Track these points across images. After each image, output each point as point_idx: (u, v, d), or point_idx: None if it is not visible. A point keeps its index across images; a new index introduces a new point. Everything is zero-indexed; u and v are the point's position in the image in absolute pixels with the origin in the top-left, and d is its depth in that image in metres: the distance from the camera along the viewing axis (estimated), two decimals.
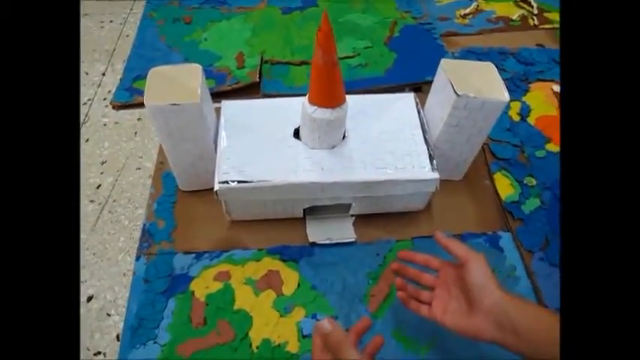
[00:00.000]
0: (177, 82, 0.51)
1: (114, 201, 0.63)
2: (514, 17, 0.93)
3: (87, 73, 0.82)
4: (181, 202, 0.61)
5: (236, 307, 0.52)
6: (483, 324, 0.39)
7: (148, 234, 0.58)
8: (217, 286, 0.53)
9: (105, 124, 0.73)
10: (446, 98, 0.53)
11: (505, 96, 0.51)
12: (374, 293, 0.53)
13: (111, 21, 0.93)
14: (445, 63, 0.55)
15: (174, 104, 0.49)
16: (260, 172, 0.52)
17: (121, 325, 0.51)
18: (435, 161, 0.54)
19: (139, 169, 0.67)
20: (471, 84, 0.52)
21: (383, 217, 0.60)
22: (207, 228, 0.59)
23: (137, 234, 0.59)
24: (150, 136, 0.71)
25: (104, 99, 0.77)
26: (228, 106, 0.59)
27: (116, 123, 0.73)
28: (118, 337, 0.51)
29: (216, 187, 0.51)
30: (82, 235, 0.60)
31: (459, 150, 0.58)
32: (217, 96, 0.60)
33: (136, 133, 0.72)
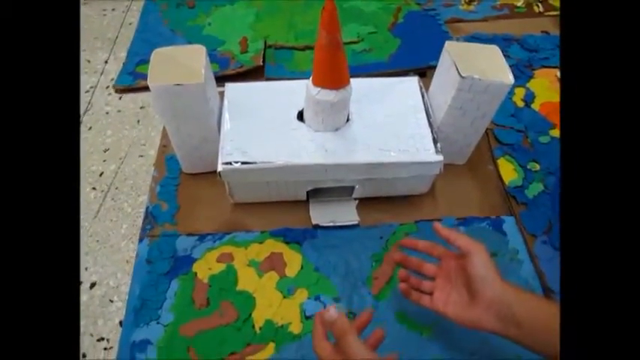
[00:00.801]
0: (181, 63, 0.51)
1: (116, 188, 0.63)
2: (519, 4, 0.92)
3: (89, 61, 0.82)
4: (184, 184, 0.61)
5: (239, 288, 0.52)
6: (485, 315, 0.39)
7: (151, 216, 0.58)
8: (220, 267, 0.53)
9: (107, 112, 0.73)
10: (450, 81, 0.53)
11: (510, 78, 0.51)
12: (377, 276, 0.53)
13: (113, 9, 0.92)
14: (449, 45, 0.54)
15: (178, 84, 0.49)
16: (263, 153, 0.52)
17: (124, 310, 0.51)
18: (438, 144, 0.54)
19: (142, 156, 0.67)
20: (475, 66, 0.51)
21: (386, 200, 0.59)
22: (210, 210, 0.59)
23: (140, 221, 0.59)
24: (153, 124, 0.71)
25: (107, 87, 0.77)
26: (231, 88, 0.59)
27: (119, 111, 0.73)
28: (120, 323, 0.51)
29: (220, 167, 0.51)
30: (85, 223, 0.60)
31: (462, 133, 0.58)
32: (221, 80, 0.60)
33: (138, 121, 0.72)
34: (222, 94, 0.58)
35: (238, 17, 0.86)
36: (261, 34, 0.82)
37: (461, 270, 0.43)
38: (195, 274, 0.53)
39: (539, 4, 0.92)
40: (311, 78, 0.51)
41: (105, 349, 0.50)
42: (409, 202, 0.60)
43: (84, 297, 0.54)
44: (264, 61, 0.76)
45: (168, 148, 0.64)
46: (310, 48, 0.79)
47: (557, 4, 0.92)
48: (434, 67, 0.59)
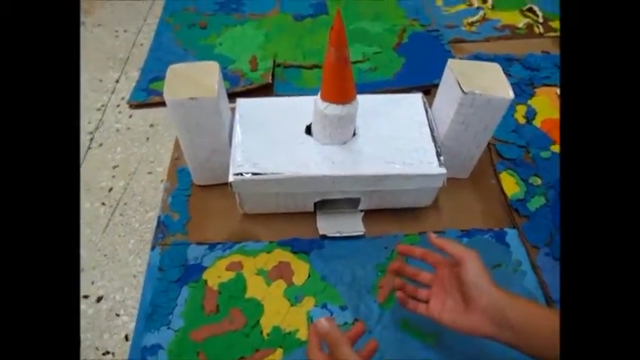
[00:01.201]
0: (195, 79, 0.54)
1: (125, 204, 0.64)
2: (520, 25, 0.95)
3: (101, 80, 0.84)
4: (195, 195, 0.63)
5: (248, 295, 0.53)
6: (480, 321, 0.40)
7: (162, 225, 0.60)
8: (229, 275, 0.55)
9: (118, 130, 0.75)
10: (453, 96, 0.55)
11: (510, 94, 0.53)
12: (382, 285, 0.54)
13: (125, 31, 0.96)
14: (452, 63, 0.57)
15: (193, 98, 0.51)
16: (273, 165, 0.54)
17: (130, 325, 0.52)
18: (442, 157, 0.56)
19: (150, 173, 0.68)
20: (477, 82, 0.53)
21: (391, 212, 0.61)
22: (220, 221, 0.61)
23: (148, 236, 0.60)
24: (162, 142, 0.73)
25: (117, 105, 0.78)
26: (242, 103, 0.61)
27: (128, 129, 0.75)
28: (126, 337, 0.51)
29: (231, 178, 0.53)
30: (93, 237, 0.61)
31: (465, 147, 0.60)
32: (232, 96, 0.62)
33: (148, 138, 0.74)
34: (233, 109, 0.61)
35: (248, 37, 0.89)
36: (271, 54, 0.85)
37: (455, 277, 0.44)
38: (206, 281, 0.54)
39: (540, 26, 0.95)
40: (319, 93, 0.53)
41: None
42: (414, 215, 0.61)
43: (90, 310, 0.54)
44: (273, 79, 0.79)
45: (180, 161, 0.66)
46: (317, 66, 0.82)
47: (557, 25, 0.95)
48: (437, 85, 0.61)
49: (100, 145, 0.73)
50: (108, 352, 0.51)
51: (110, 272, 0.57)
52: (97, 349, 0.51)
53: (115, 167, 0.69)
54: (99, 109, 0.78)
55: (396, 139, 0.58)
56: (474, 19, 0.96)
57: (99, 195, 0.66)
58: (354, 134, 0.58)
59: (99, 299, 0.55)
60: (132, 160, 0.70)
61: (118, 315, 0.54)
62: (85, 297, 0.55)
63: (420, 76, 0.80)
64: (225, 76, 0.79)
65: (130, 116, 0.77)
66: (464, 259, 0.42)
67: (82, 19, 0.99)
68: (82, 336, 0.52)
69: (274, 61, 0.83)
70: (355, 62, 0.83)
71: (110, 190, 0.66)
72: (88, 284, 0.56)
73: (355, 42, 0.88)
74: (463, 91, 0.52)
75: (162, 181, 0.66)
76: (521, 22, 0.96)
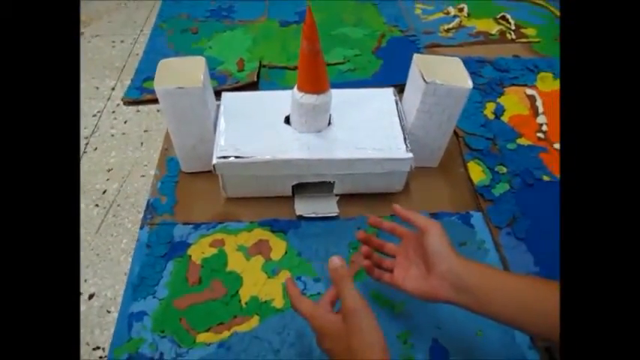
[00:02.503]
0: (183, 71, 0.58)
1: (118, 205, 0.66)
2: (493, 32, 1.01)
3: (97, 88, 0.87)
4: (183, 181, 0.68)
5: (228, 269, 0.57)
6: (440, 286, 0.42)
7: (151, 207, 0.64)
8: (212, 251, 0.59)
9: (113, 135, 0.77)
10: (418, 87, 0.60)
11: (469, 83, 0.58)
12: (353, 259, 0.59)
13: (122, 41, 1.00)
14: (417, 57, 0.62)
15: (180, 87, 0.56)
16: (254, 150, 0.59)
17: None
18: (408, 143, 0.60)
19: (144, 176, 0.71)
20: (438, 74, 0.59)
21: (364, 197, 0.66)
22: (205, 204, 0.65)
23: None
24: (155, 147, 0.74)
25: (113, 112, 0.81)
26: (227, 96, 0.66)
27: (123, 134, 0.78)
28: None
29: (215, 161, 0.58)
30: (87, 237, 0.62)
31: (431, 136, 0.65)
32: (218, 94, 0.67)
33: (142, 143, 0.76)
34: (219, 105, 0.66)
35: (237, 41, 0.95)
36: (257, 56, 0.90)
37: (419, 247, 0.46)
38: (190, 256, 0.58)
39: (512, 32, 1.01)
40: (296, 85, 0.58)
41: (100, 357, 0.51)
42: (385, 199, 0.66)
43: (82, 307, 0.54)
44: (258, 78, 0.84)
45: (169, 151, 0.71)
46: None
47: (528, 32, 1.01)
48: None
49: (95, 149, 0.75)
50: (98, 348, 0.52)
51: (102, 271, 0.58)
52: (87, 344, 0.52)
53: (109, 170, 0.71)
54: (95, 115, 0.81)
55: (367, 127, 0.62)
56: (450, 25, 1.02)
57: (93, 197, 0.68)
58: (330, 123, 0.63)
59: (90, 296, 0.56)
60: (126, 164, 0.72)
61: (108, 312, 0.55)
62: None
63: (395, 76, 0.84)
64: (214, 76, 0.84)
65: (125, 122, 0.80)
66: (427, 229, 0.45)
67: (81, 29, 1.04)
68: None
69: (260, 63, 0.88)
70: (336, 64, 0.88)
71: (104, 192, 0.68)
72: (81, 282, 0.58)
73: (337, 46, 0.93)
74: (425, 81, 0.58)
75: (156, 165, 0.69)
76: (494, 28, 1.02)
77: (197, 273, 0.57)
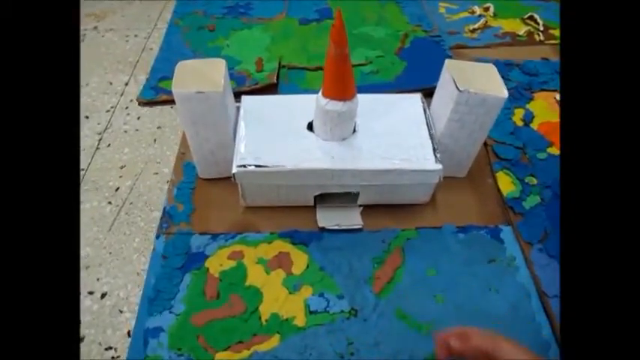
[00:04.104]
0: (203, 74, 0.56)
1: (131, 203, 0.67)
2: (521, 33, 0.97)
3: (111, 83, 0.87)
4: (200, 188, 0.65)
5: (248, 283, 0.55)
6: None
7: (167, 215, 0.62)
8: (231, 264, 0.57)
9: (126, 131, 0.78)
10: (449, 95, 0.57)
11: (504, 92, 0.55)
12: (378, 276, 0.56)
13: (135, 35, 0.99)
14: (449, 63, 0.59)
15: (199, 92, 0.54)
16: (275, 158, 0.56)
17: (133, 322, 0.53)
18: (438, 154, 0.57)
19: (157, 174, 0.70)
20: (472, 81, 0.55)
21: (389, 208, 0.63)
22: (223, 212, 0.62)
23: (152, 235, 0.60)
24: (168, 144, 0.74)
25: (126, 107, 0.81)
26: (247, 100, 0.64)
27: (137, 130, 0.78)
28: (129, 333, 0.52)
29: (234, 169, 0.55)
30: (100, 235, 0.62)
31: (461, 145, 0.61)
32: (237, 95, 0.64)
33: (155, 140, 0.76)
34: (238, 107, 0.63)
35: (255, 40, 0.92)
36: (276, 56, 0.87)
37: None
38: (207, 269, 0.56)
39: (540, 33, 0.97)
40: (321, 90, 0.56)
41: (113, 358, 0.51)
42: (411, 211, 0.63)
43: (94, 306, 0.55)
44: (277, 79, 0.82)
45: (186, 156, 0.69)
46: (321, 69, 0.84)
47: (557, 33, 0.97)
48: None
49: (109, 145, 0.75)
50: (110, 348, 0.53)
51: (115, 270, 0.59)
52: (99, 344, 0.52)
53: (122, 167, 0.71)
54: (108, 111, 0.81)
55: (394, 136, 0.60)
56: (476, 25, 0.98)
57: (106, 194, 0.68)
58: (354, 131, 0.60)
59: (103, 296, 0.57)
60: (139, 161, 0.72)
61: (121, 311, 0.55)
62: (90, 293, 0.56)
63: (420, 79, 0.81)
64: (232, 76, 0.82)
65: (139, 118, 0.79)
66: (494, 349, 0.39)
67: (94, 23, 1.02)
68: (86, 331, 0.53)
69: (279, 63, 0.85)
70: (357, 65, 0.85)
71: (117, 189, 0.68)
72: (93, 281, 0.57)
73: (358, 46, 0.90)
74: (459, 89, 0.54)
75: (167, 181, 0.68)
76: (522, 29, 0.98)
77: (215, 287, 0.54)
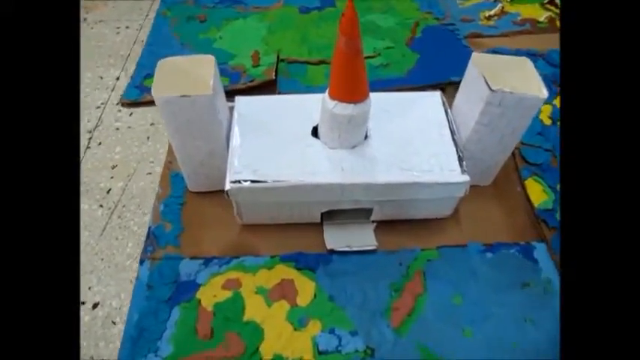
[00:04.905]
0: (189, 74, 0.48)
1: (123, 206, 0.61)
2: (541, 19, 0.89)
3: (101, 78, 0.80)
4: (190, 204, 0.58)
5: (246, 318, 0.47)
6: None
7: (153, 237, 0.54)
8: (226, 294, 0.49)
9: (117, 129, 0.72)
10: (478, 94, 0.49)
11: (544, 92, 0.47)
12: (397, 307, 0.48)
13: (127, 27, 0.92)
14: (477, 57, 0.50)
15: (185, 96, 0.45)
16: (275, 171, 0.48)
17: None
18: (464, 163, 0.50)
19: (150, 174, 0.64)
20: (505, 79, 0.47)
21: (407, 224, 0.55)
22: (217, 232, 0.55)
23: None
24: (162, 141, 0.69)
25: (117, 103, 0.75)
26: (242, 101, 0.56)
27: (129, 127, 0.71)
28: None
29: (227, 186, 0.47)
30: (90, 240, 0.57)
31: (489, 152, 0.53)
32: (231, 94, 0.57)
33: (148, 137, 0.70)
34: (231, 108, 0.55)
35: (250, 31, 0.83)
36: (274, 48, 0.79)
37: None
38: (199, 301, 0.49)
39: None
40: (327, 90, 0.48)
41: None
42: (431, 226, 0.55)
43: (86, 318, 0.50)
44: (276, 75, 0.73)
45: (174, 165, 0.61)
46: (325, 62, 0.76)
47: None
48: (455, 83, 0.56)
49: (99, 144, 0.69)
50: None
51: (107, 277, 0.54)
52: (92, 358, 0.48)
53: (113, 167, 0.66)
54: (98, 107, 0.75)
55: (412, 142, 0.52)
56: (492, 12, 0.90)
57: (97, 196, 0.63)
58: (366, 137, 0.52)
59: (95, 306, 0.51)
60: (131, 160, 0.67)
61: (114, 323, 0.50)
62: (82, 303, 0.51)
63: (435, 74, 0.73)
64: (225, 72, 0.74)
65: (131, 114, 0.73)
66: None
67: (84, 15, 0.95)
68: None
69: (278, 56, 0.77)
70: (366, 57, 0.76)
71: (108, 191, 0.63)
72: (84, 289, 0.53)
73: (365, 36, 0.81)
74: (491, 88, 0.46)
75: (159, 181, 0.62)
76: (542, 15, 0.89)
77: (208, 323, 0.47)
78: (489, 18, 0.89)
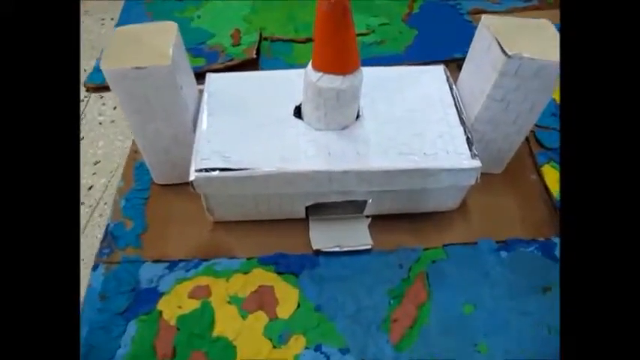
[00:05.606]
0: (146, 43, 0.40)
1: (105, 204, 0.55)
2: None
3: (85, 70, 0.75)
4: (155, 198, 0.50)
5: (215, 333, 0.40)
6: None
7: (111, 237, 0.46)
8: (193, 305, 0.41)
9: (100, 123, 0.67)
10: (490, 63, 0.41)
11: None
12: (396, 317, 0.41)
13: (112, 19, 0.87)
14: (487, 19, 0.43)
15: (139, 67, 0.38)
16: (249, 158, 0.41)
17: None
18: (474, 146, 0.42)
19: None
20: (522, 44, 0.40)
21: (406, 218, 0.48)
22: (185, 230, 0.47)
23: None
24: None
25: (101, 97, 0.70)
26: (213, 79, 0.48)
27: (112, 121, 0.67)
28: None
29: (192, 176, 0.40)
30: None
31: (503, 133, 0.46)
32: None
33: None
34: (202, 92, 0.48)
35: (232, 9, 0.76)
36: (256, 27, 0.71)
37: None
38: (160, 313, 0.41)
39: None
40: (310, 61, 0.40)
41: None
42: (435, 221, 0.48)
43: None
44: (258, 54, 0.66)
45: (140, 155, 0.53)
46: (312, 40, 0.68)
47: None
48: (457, 60, 0.48)
49: (82, 138, 0.64)
50: None
51: (87, 278, 0.47)
52: None
53: (96, 163, 0.61)
54: (82, 101, 0.70)
55: (412, 122, 0.44)
56: None
57: None
58: (358, 116, 0.45)
59: None
60: (115, 156, 0.62)
61: None
62: None
63: (436, 51, 0.66)
64: (202, 52, 0.66)
65: (114, 108, 0.69)
66: None
67: None
68: None
69: (260, 35, 0.69)
70: (358, 35, 0.69)
71: (90, 188, 0.58)
72: None
73: (357, 12, 0.74)
74: (506, 54, 0.39)
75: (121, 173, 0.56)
76: None
77: (170, 340, 0.39)
78: None
